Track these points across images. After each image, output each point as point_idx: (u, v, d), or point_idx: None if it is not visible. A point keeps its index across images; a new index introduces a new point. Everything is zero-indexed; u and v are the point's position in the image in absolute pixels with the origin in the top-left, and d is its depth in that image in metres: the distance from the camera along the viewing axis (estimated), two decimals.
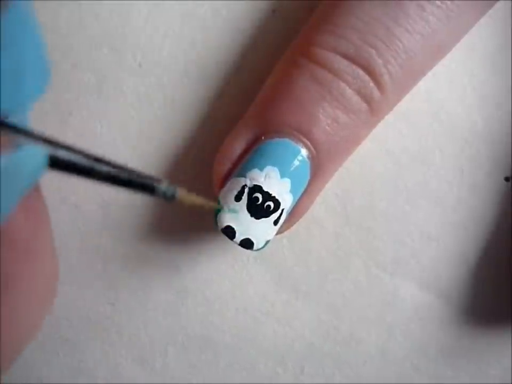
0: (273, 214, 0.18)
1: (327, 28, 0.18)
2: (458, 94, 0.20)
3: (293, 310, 0.22)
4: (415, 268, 0.21)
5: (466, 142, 0.21)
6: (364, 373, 0.22)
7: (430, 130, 0.21)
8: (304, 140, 0.18)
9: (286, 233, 0.20)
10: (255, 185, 0.18)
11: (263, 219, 0.18)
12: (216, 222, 0.18)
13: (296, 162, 0.18)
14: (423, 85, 0.20)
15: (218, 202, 0.18)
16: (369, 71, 0.17)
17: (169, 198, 0.15)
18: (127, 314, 0.22)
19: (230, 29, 0.20)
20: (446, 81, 0.20)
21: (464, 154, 0.21)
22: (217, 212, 0.18)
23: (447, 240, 0.21)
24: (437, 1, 0.17)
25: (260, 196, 0.18)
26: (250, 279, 0.22)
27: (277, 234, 0.19)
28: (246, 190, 0.18)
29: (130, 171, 0.14)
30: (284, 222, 0.19)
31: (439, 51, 0.18)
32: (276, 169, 0.18)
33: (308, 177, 0.18)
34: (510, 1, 0.20)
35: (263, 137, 0.18)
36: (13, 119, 0.13)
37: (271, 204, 0.18)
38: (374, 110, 0.18)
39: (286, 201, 0.18)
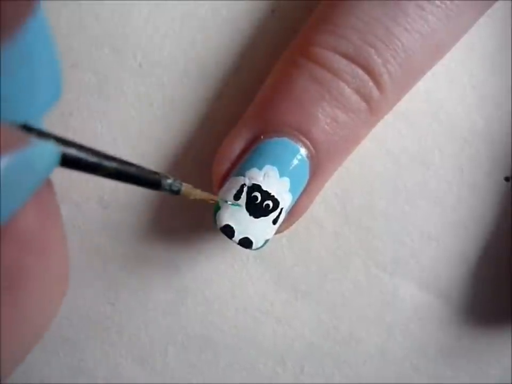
0: (272, 213, 0.18)
1: (327, 28, 0.18)
2: (458, 93, 0.21)
3: (292, 309, 0.22)
4: (414, 268, 0.21)
5: (465, 142, 0.21)
6: (364, 373, 0.22)
7: (430, 130, 0.21)
8: (304, 139, 0.18)
9: (285, 232, 0.20)
10: (254, 184, 0.18)
11: (262, 218, 0.18)
12: (215, 221, 0.18)
13: (295, 162, 0.18)
14: (422, 84, 0.20)
15: (219, 203, 0.18)
16: (369, 70, 0.17)
17: (174, 192, 0.16)
18: (127, 314, 0.22)
19: (229, 29, 0.20)
20: (445, 81, 0.20)
21: (463, 154, 0.21)
22: (216, 210, 0.18)
23: (447, 240, 0.21)
24: (436, 1, 0.17)
25: (258, 195, 0.18)
26: (250, 278, 0.22)
27: (276, 233, 0.19)
28: (245, 189, 0.18)
29: (138, 167, 0.15)
30: (283, 222, 0.19)
31: (438, 50, 0.18)
32: (275, 168, 0.18)
33: (307, 177, 0.18)
34: (510, 1, 0.20)
35: (262, 137, 0.18)
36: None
37: (270, 203, 0.18)
38: (374, 109, 0.18)
39: (285, 201, 0.18)
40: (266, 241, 0.18)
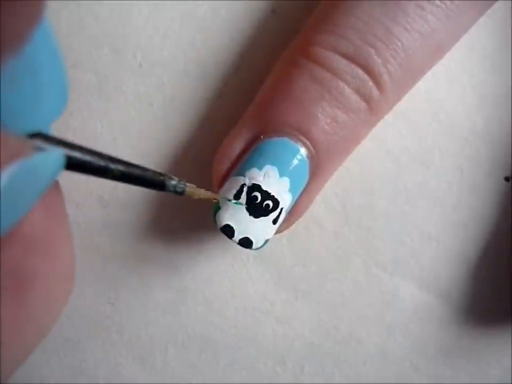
0: (272, 213, 0.18)
1: (327, 28, 0.18)
2: (458, 93, 0.20)
3: (292, 309, 0.22)
4: (414, 268, 0.21)
5: (465, 142, 0.21)
6: (364, 373, 0.22)
7: (430, 130, 0.21)
8: (304, 139, 0.18)
9: (285, 232, 0.20)
10: (254, 184, 0.18)
11: (262, 218, 0.18)
12: (215, 221, 0.18)
13: (295, 162, 0.18)
14: (422, 84, 0.20)
15: (219, 203, 0.18)
16: (369, 70, 0.17)
17: (179, 193, 0.16)
18: (127, 314, 0.22)
19: (229, 29, 0.20)
20: (445, 81, 0.20)
21: (463, 154, 0.21)
22: (216, 210, 0.18)
23: (447, 240, 0.21)
24: (436, 1, 0.17)
25: (258, 194, 0.18)
26: (250, 278, 0.22)
27: (276, 233, 0.19)
28: (245, 189, 0.18)
29: (143, 169, 0.15)
30: (283, 221, 0.19)
31: (438, 50, 0.18)
32: (275, 168, 0.18)
33: (307, 177, 0.18)
34: (510, 1, 0.20)
35: (262, 137, 0.18)
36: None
37: (270, 202, 0.18)
38: (373, 109, 0.18)
39: (285, 200, 0.18)
40: (266, 241, 0.18)
